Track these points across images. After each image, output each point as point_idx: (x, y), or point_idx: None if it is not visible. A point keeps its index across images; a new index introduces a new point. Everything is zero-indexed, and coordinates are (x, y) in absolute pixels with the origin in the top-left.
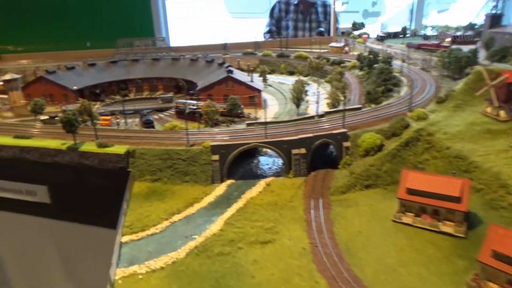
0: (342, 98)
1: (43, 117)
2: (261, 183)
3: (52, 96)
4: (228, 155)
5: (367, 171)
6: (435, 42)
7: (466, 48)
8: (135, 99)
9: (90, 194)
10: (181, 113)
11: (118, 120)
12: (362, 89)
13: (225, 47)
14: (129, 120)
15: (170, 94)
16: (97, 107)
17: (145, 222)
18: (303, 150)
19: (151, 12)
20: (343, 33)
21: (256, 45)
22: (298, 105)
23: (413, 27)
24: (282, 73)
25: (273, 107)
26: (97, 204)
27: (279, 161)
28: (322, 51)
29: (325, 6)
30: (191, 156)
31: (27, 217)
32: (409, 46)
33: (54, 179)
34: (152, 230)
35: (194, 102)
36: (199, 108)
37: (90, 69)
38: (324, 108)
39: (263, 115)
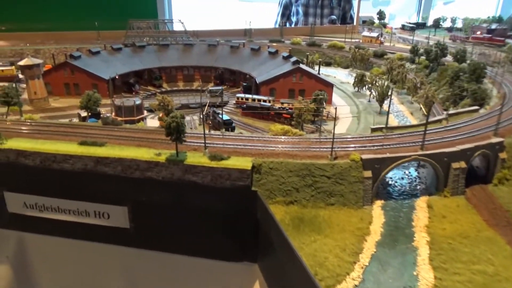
0: (436, 98)
1: (83, 114)
2: (420, 205)
3: (77, 86)
4: (381, 171)
5: None
6: (487, 35)
7: None
8: (171, 91)
9: (197, 218)
10: (249, 110)
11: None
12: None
13: (246, 33)
14: (187, 118)
15: (219, 86)
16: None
17: (329, 267)
18: (463, 164)
19: None
20: (364, 21)
21: (281, 31)
22: (382, 103)
23: (420, 18)
24: (316, 64)
25: (337, 102)
26: (209, 232)
27: (411, 174)
28: (353, 40)
29: None
30: (338, 173)
31: (101, 245)
32: (454, 38)
33: (138, 199)
34: (351, 282)
35: (264, 97)
36: (275, 105)
37: (117, 54)
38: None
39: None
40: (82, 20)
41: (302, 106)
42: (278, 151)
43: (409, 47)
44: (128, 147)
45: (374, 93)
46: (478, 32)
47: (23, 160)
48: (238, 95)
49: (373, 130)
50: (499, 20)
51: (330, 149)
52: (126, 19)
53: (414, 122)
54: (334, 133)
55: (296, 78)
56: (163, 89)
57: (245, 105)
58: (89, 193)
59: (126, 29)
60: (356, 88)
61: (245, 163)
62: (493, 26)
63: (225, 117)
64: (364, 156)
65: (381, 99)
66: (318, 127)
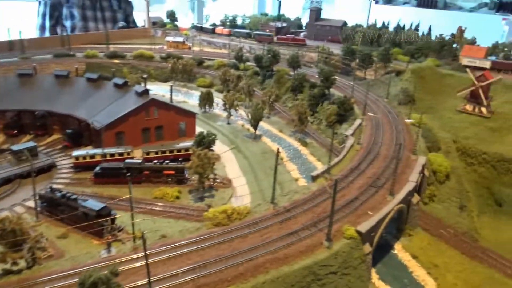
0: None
1: None
2: (404, 257)
3: None
4: (374, 238)
5: (465, 197)
6: (290, 35)
7: None
8: None
9: None
10: (109, 175)
11: None
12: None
13: (11, 47)
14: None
15: (30, 142)
16: None
17: None
18: (417, 196)
19: None
20: (154, 23)
21: (64, 41)
22: (256, 127)
23: (196, 16)
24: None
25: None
26: None
27: None
28: (157, 46)
29: None
30: (343, 262)
31: None
32: (260, 40)
33: None
34: None
35: (120, 150)
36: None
37: None
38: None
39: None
40: None
41: (200, 155)
42: (260, 260)
43: (220, 51)
44: None
45: (246, 115)
46: (267, 30)
47: None
48: (75, 153)
49: (315, 178)
50: (278, 18)
51: (328, 233)
52: None
53: (293, 142)
54: (333, 206)
55: (150, 113)
56: None
57: (99, 168)
58: None
59: None
60: (203, 109)
61: None
62: (279, 25)
63: (95, 204)
64: (361, 228)
65: (255, 123)
66: (214, 179)
